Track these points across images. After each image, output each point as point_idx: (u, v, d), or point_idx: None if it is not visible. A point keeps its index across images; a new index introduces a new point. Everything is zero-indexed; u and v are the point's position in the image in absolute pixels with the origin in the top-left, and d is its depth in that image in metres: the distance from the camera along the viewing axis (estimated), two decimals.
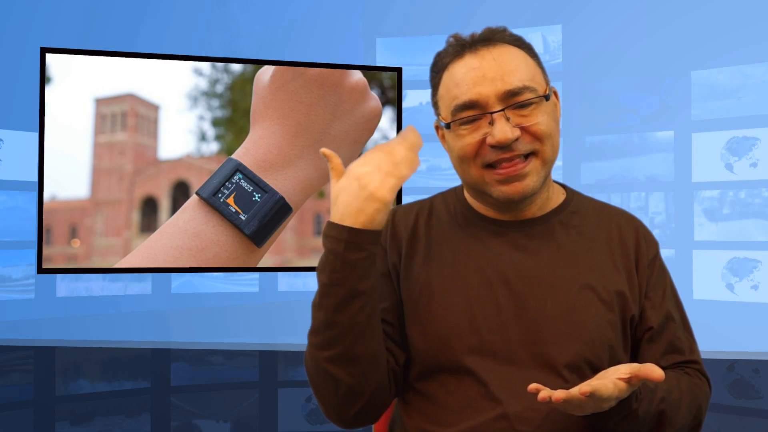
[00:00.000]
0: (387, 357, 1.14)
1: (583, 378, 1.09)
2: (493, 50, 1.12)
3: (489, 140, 1.09)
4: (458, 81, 1.12)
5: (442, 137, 1.20)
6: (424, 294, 1.15)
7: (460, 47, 1.14)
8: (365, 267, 1.03)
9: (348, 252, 1.01)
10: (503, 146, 1.09)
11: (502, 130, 1.08)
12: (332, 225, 1.03)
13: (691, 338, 1.20)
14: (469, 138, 1.11)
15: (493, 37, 1.14)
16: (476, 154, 1.11)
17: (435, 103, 1.19)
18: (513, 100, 1.09)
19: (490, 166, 1.12)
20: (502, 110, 1.09)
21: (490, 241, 1.17)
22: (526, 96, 1.10)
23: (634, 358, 1.18)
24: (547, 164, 1.13)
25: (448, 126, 1.13)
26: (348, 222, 1.01)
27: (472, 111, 1.10)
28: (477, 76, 1.10)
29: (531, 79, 1.11)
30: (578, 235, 1.18)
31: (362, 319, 1.05)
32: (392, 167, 1.01)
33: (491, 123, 1.09)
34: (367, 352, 1.07)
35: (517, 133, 1.09)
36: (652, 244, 1.21)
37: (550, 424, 1.08)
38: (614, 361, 1.12)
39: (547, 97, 1.12)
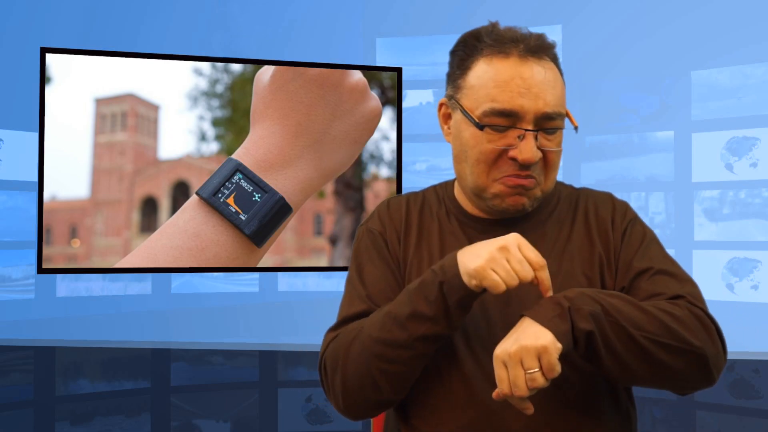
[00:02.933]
0: None
1: (573, 368, 1.09)
2: (543, 64, 1.11)
3: (514, 153, 1.10)
4: (501, 83, 1.10)
5: (445, 117, 1.20)
6: None
7: (508, 43, 1.12)
8: (462, 314, 1.06)
9: (462, 308, 1.05)
10: (526, 165, 1.10)
11: (531, 149, 1.09)
12: (459, 276, 1.03)
13: (679, 282, 1.14)
14: (491, 145, 1.11)
15: (543, 49, 1.13)
16: (493, 164, 1.12)
17: (456, 84, 1.16)
18: (546, 123, 1.11)
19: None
20: (536, 131, 1.10)
21: (476, 239, 1.18)
22: (557, 123, 1.12)
23: None
24: (544, 195, 1.16)
25: (481, 127, 1.12)
26: (473, 283, 1.02)
27: (507, 120, 1.10)
28: (522, 87, 1.09)
29: (562, 106, 1.13)
30: (558, 225, 1.20)
31: (433, 352, 1.09)
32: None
33: (520, 138, 1.10)
34: (418, 375, 1.11)
35: (539, 155, 1.11)
36: (626, 215, 1.21)
37: (539, 417, 1.07)
38: None
39: (575, 128, 1.15)
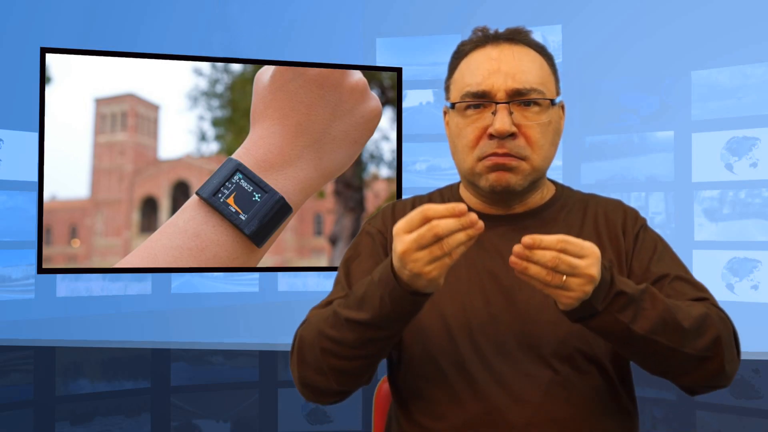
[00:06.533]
0: None
1: (575, 368, 1.10)
2: (514, 48, 1.17)
3: (489, 129, 1.13)
4: (474, 68, 1.17)
5: (447, 123, 1.24)
6: None
7: (483, 38, 1.19)
8: (410, 319, 1.03)
9: (411, 313, 1.01)
10: (501, 137, 1.12)
11: (502, 120, 1.12)
12: (396, 282, 0.97)
13: (696, 286, 1.16)
14: (471, 128, 1.15)
15: (516, 36, 1.18)
16: (475, 146, 1.15)
17: (447, 87, 1.23)
18: (519, 97, 1.14)
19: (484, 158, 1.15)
20: (507, 102, 1.13)
21: (481, 235, 1.18)
22: (533, 98, 1.14)
23: None
24: (536, 171, 1.16)
25: (453, 106, 1.18)
26: (412, 285, 0.96)
27: (480, 100, 1.15)
28: (493, 67, 1.15)
29: (542, 84, 1.16)
30: (566, 227, 1.20)
31: (381, 355, 1.08)
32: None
33: (494, 113, 1.13)
34: (364, 376, 1.10)
35: (515, 128, 1.13)
36: (638, 221, 1.23)
37: (541, 414, 1.09)
38: (608, 347, 1.13)
39: (553, 102, 1.16)
